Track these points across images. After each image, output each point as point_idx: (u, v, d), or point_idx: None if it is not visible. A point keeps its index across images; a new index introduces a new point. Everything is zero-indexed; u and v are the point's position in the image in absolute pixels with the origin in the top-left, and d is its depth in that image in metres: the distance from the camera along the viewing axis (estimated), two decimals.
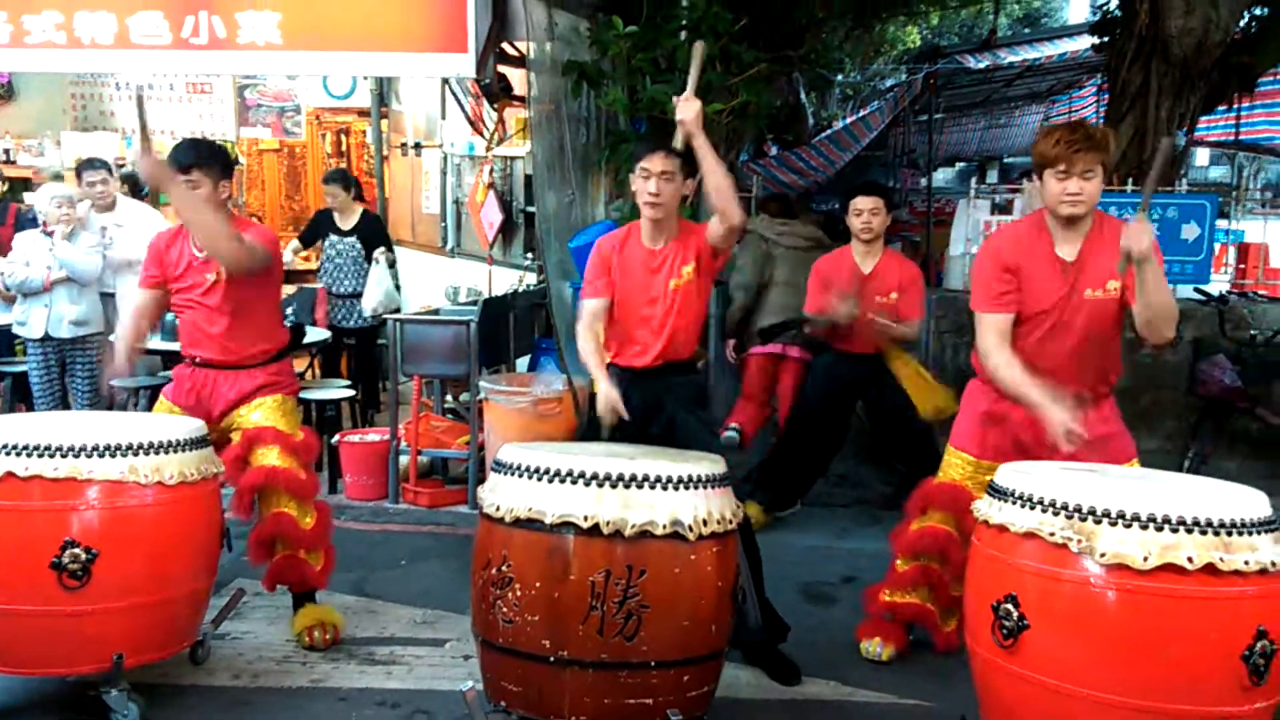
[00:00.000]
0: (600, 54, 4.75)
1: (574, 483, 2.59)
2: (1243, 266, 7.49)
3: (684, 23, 4.76)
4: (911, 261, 4.93)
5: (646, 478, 2.60)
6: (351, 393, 5.72)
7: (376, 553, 4.51)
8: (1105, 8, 6.08)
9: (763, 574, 3.38)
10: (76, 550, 2.72)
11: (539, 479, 2.62)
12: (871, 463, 5.55)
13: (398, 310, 6.20)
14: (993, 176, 12.36)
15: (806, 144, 9.89)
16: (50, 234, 5.20)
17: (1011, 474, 2.62)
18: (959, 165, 14.41)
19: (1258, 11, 5.58)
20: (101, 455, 2.78)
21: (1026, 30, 14.46)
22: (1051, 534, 2.39)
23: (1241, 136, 8.37)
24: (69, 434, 2.80)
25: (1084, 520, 2.36)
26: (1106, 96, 7.47)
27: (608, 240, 3.42)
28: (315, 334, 5.66)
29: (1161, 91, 5.55)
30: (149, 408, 3.59)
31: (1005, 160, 13.25)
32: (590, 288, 3.38)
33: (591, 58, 4.79)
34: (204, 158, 3.34)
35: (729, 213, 3.12)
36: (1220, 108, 6.63)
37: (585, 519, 2.54)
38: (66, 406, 5.32)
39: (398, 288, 6.42)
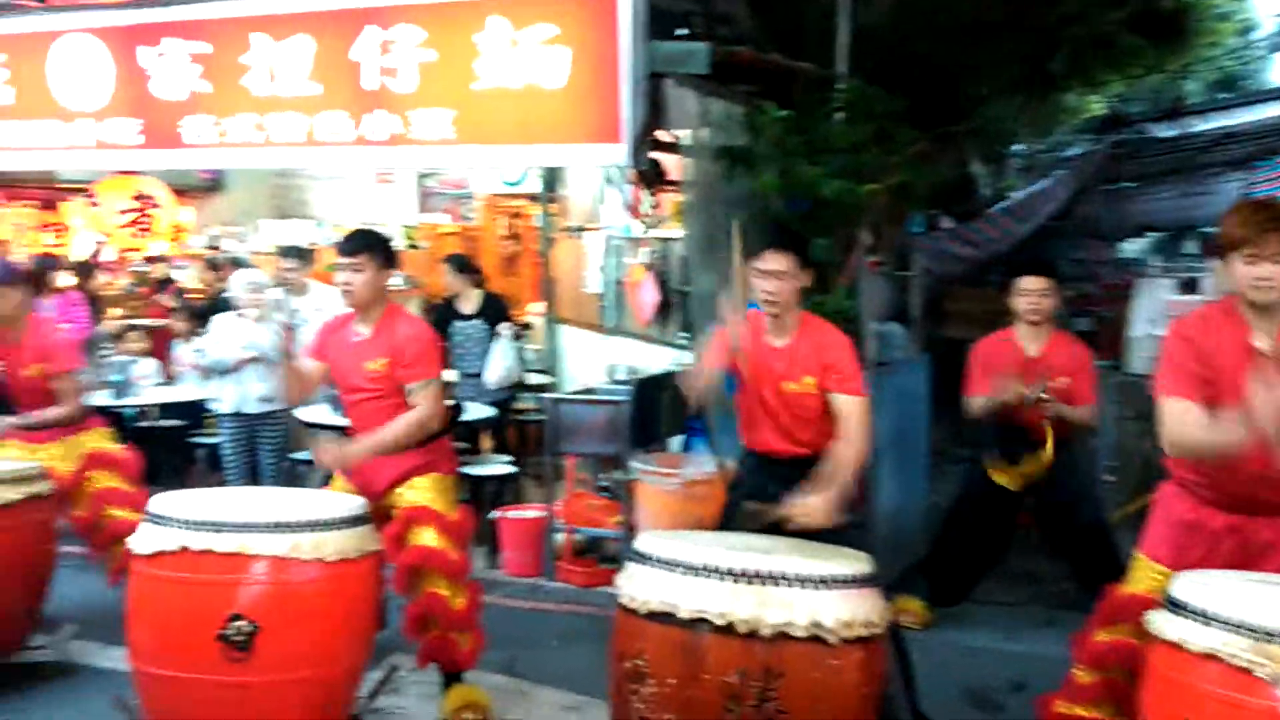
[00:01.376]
0: (754, 138, 4.79)
1: (708, 577, 2.53)
2: None
3: (838, 105, 4.75)
4: (1081, 344, 4.67)
5: (784, 575, 2.52)
6: (514, 469, 5.87)
7: (529, 631, 4.56)
8: None
9: (915, 680, 3.20)
10: (241, 623, 2.87)
11: (673, 571, 2.58)
12: (1049, 558, 5.21)
13: (519, 383, 6.35)
14: (1191, 246, 11.59)
15: (981, 216, 9.60)
16: (243, 316, 5.64)
17: (1190, 585, 2.39)
18: (1151, 235, 13.54)
19: None
20: (267, 531, 2.94)
21: (1221, 95, 13.64)
22: (1234, 656, 2.15)
23: None
24: (239, 510, 2.99)
25: (1270, 642, 2.12)
26: None
27: (736, 326, 3.36)
28: (478, 410, 5.86)
29: None
30: (326, 482, 3.81)
31: (1203, 230, 12.41)
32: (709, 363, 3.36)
33: (745, 142, 4.83)
34: (367, 247, 3.57)
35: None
36: None
37: (720, 616, 2.48)
38: (256, 479, 5.70)
39: (524, 360, 6.58)
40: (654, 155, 5.16)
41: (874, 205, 4.84)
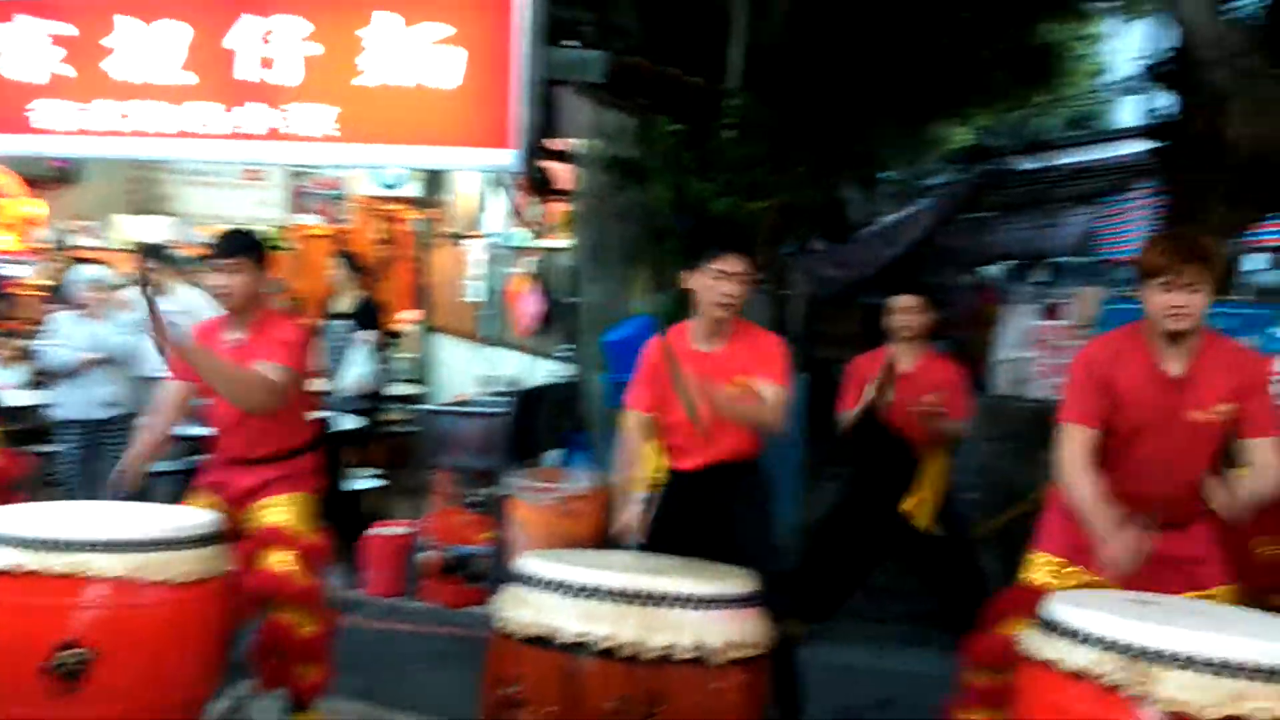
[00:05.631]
0: (646, 151, 4.76)
1: (590, 598, 2.45)
2: None
3: (730, 122, 4.76)
4: (952, 361, 4.81)
5: (671, 595, 2.45)
6: (380, 483, 5.66)
7: (390, 654, 4.37)
8: (1162, 112, 5.99)
9: (801, 702, 3.18)
10: (75, 652, 2.61)
11: (554, 592, 2.49)
12: (918, 573, 5.31)
13: (375, 394, 6.19)
14: (1041, 275, 12.21)
15: (851, 239, 9.88)
16: (85, 314, 5.26)
17: (1062, 604, 2.43)
18: (1007, 263, 14.27)
19: None
20: (108, 550, 2.69)
21: (1077, 132, 14.45)
22: (1104, 675, 2.19)
23: None
24: (75, 526, 2.73)
25: (1141, 661, 2.16)
26: (1159, 199, 7.30)
27: (657, 345, 3.34)
28: (348, 422, 5.63)
29: (1219, 199, 5.40)
30: (177, 495, 3.56)
31: (1054, 260, 13.09)
32: (635, 396, 3.32)
33: (638, 154, 4.80)
34: (242, 249, 3.45)
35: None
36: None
37: (602, 639, 2.39)
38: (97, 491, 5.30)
39: (383, 373, 6.44)
40: (544, 163, 5.08)
41: (761, 223, 4.87)
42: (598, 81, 4.40)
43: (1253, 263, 10.54)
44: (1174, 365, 2.74)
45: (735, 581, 2.61)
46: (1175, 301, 2.67)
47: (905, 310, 4.46)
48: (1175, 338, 2.72)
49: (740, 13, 4.85)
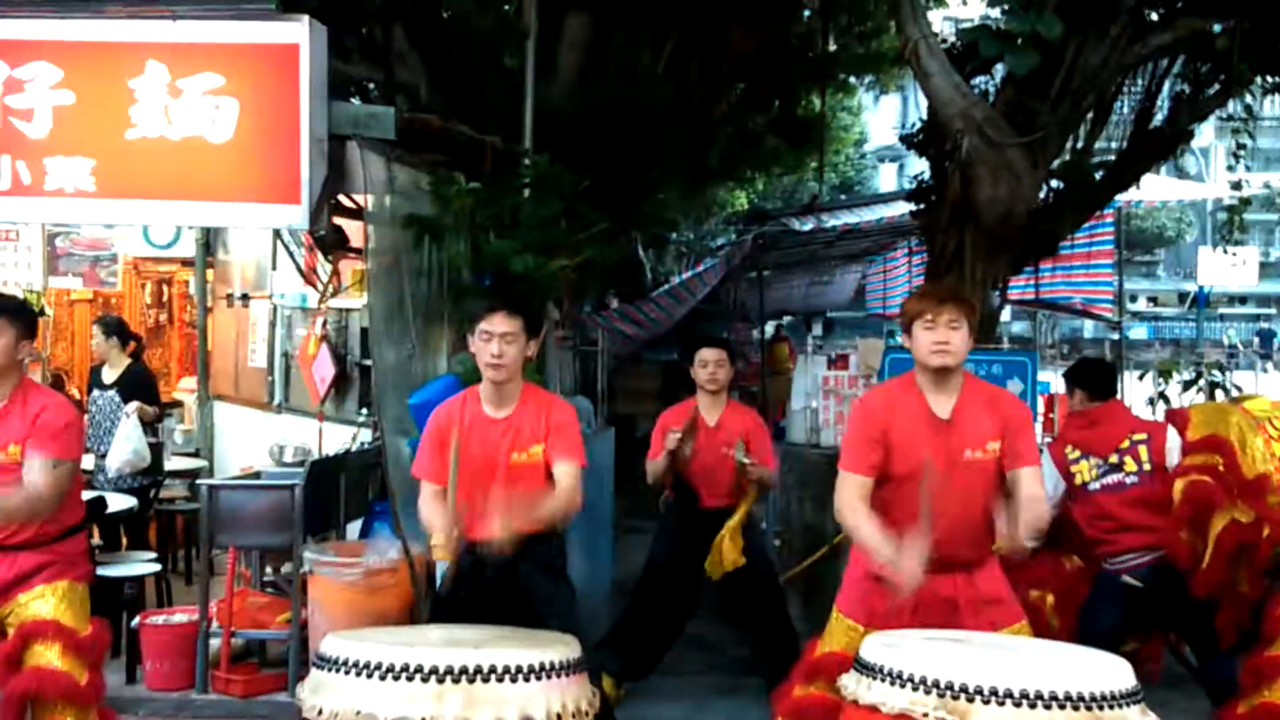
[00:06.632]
0: (442, 208, 4.68)
1: (410, 679, 2.30)
2: (1051, 417, 7.96)
3: (526, 181, 4.76)
4: (753, 410, 4.99)
5: (494, 669, 2.34)
6: (158, 567, 5.17)
7: None
8: (920, 177, 6.50)
9: None
10: None
11: (369, 676, 2.32)
12: (727, 622, 5.39)
13: (148, 469, 5.73)
14: (818, 329, 13.00)
15: (645, 297, 10.15)
16: None
17: (879, 647, 2.50)
18: (786, 318, 15.18)
19: (1055, 185, 6.07)
20: None
21: (843, 196, 15.62)
22: (925, 714, 2.27)
23: (1041, 295, 9.05)
24: None
25: (957, 698, 2.25)
26: (918, 258, 7.90)
27: (444, 410, 3.28)
28: (117, 501, 5.13)
29: (975, 255, 5.90)
30: None
31: (828, 315, 13.97)
32: (425, 466, 3.24)
33: (433, 211, 4.70)
34: (6, 310, 3.19)
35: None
36: (1026, 268, 7.16)
37: None
38: None
39: (159, 446, 5.96)
40: (335, 220, 4.89)
41: (560, 281, 4.88)
42: (388, 138, 4.30)
43: (1006, 314, 11.66)
44: (942, 408, 2.93)
45: (558, 648, 2.53)
46: (939, 338, 2.88)
47: (711, 364, 4.60)
48: (941, 378, 2.92)
49: (528, 76, 4.91)
